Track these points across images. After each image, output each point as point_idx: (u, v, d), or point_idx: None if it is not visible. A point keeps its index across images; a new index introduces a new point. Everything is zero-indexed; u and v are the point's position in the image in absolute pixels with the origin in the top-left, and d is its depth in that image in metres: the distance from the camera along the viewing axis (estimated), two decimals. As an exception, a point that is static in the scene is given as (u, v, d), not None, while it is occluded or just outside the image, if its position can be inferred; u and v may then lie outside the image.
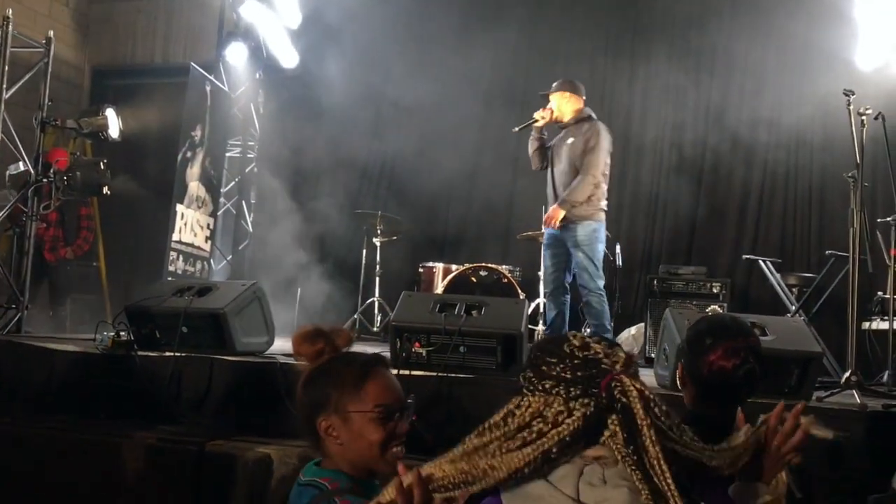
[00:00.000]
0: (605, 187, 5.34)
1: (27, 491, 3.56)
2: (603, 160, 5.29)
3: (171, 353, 3.92)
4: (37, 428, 3.70)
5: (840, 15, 6.41)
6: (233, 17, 8.15)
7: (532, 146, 5.56)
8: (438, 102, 7.46)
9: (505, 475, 1.22)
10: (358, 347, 6.04)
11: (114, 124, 5.43)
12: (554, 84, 5.54)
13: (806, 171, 7.20)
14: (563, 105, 5.44)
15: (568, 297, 5.48)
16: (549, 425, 1.21)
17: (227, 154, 8.44)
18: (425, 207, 7.74)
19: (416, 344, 3.79)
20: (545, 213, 5.46)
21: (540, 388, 1.26)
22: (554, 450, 1.21)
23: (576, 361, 1.26)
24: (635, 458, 1.19)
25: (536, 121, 5.45)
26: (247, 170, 8.50)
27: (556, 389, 1.24)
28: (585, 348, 1.28)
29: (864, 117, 4.09)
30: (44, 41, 5.52)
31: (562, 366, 1.26)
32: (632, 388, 1.22)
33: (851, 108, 4.11)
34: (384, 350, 4.13)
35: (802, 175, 7.21)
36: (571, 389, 1.23)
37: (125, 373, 3.94)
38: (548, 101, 5.50)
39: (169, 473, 3.42)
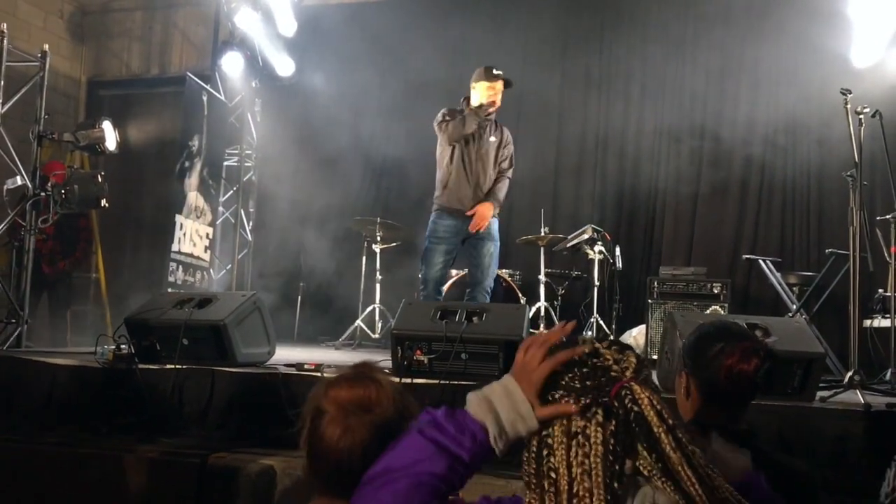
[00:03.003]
0: None
1: (29, 507, 3.55)
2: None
3: (172, 366, 3.90)
4: (38, 443, 3.68)
5: (835, 12, 6.41)
6: (228, 26, 8.14)
7: (474, 126, 5.23)
8: (434, 108, 7.45)
9: None
10: (360, 355, 6.02)
11: (110, 137, 5.41)
12: (509, 79, 5.36)
13: (804, 169, 7.20)
14: (499, 99, 5.32)
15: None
16: (586, 445, 1.21)
17: (225, 163, 8.43)
18: (425, 213, 7.72)
19: (418, 352, 3.78)
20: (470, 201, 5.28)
21: (550, 398, 1.26)
22: (608, 475, 1.19)
23: (585, 370, 1.26)
24: (659, 465, 1.19)
25: (489, 110, 5.23)
26: (245, 178, 8.49)
27: (568, 401, 1.24)
28: (595, 355, 1.27)
29: (861, 116, 4.09)
30: (39, 55, 5.51)
31: (570, 374, 1.26)
32: (642, 395, 1.21)
33: (849, 106, 4.11)
34: (385, 358, 4.13)
35: (801, 174, 7.21)
36: (582, 400, 1.22)
37: (126, 386, 3.93)
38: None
39: (171, 487, 3.40)
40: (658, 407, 1.21)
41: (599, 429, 1.20)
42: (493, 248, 5.30)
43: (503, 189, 5.39)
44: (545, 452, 1.24)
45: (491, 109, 5.23)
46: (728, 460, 1.63)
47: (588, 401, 1.22)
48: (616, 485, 1.19)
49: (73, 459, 3.56)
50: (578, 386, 1.24)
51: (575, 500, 1.19)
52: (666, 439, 1.19)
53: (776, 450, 2.96)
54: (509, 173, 5.45)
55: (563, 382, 1.25)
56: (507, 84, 5.34)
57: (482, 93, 5.27)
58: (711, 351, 2.00)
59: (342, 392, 1.56)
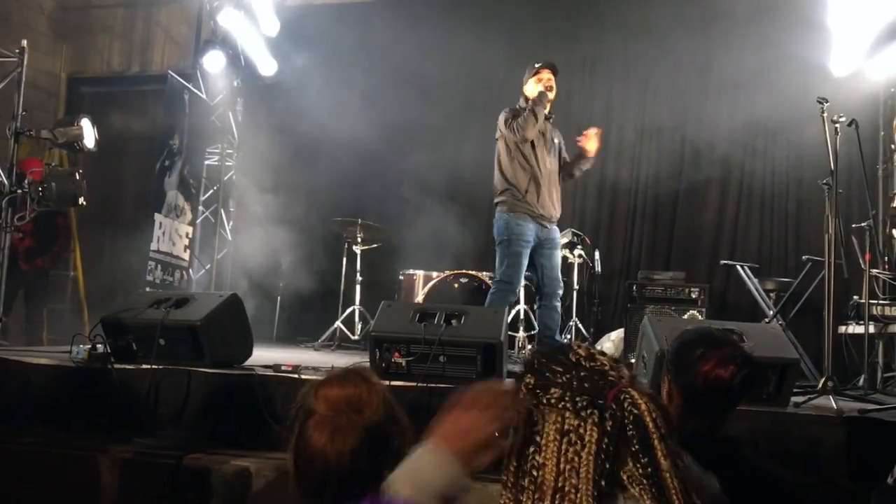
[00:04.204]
0: None
1: (1, 507, 3.51)
2: None
3: (148, 366, 3.88)
4: (11, 443, 3.65)
5: (814, 22, 6.48)
6: (210, 25, 8.11)
7: (542, 118, 5.20)
8: (417, 109, 7.46)
9: None
10: (339, 357, 6.00)
11: (89, 134, 5.36)
12: (551, 61, 5.33)
13: (783, 177, 7.27)
14: (554, 85, 5.29)
15: None
16: (578, 443, 1.22)
17: (206, 162, 8.39)
18: (405, 214, 7.73)
19: (396, 354, 3.78)
20: (549, 208, 5.29)
21: (546, 400, 1.26)
22: (597, 472, 1.20)
23: (583, 373, 1.27)
24: (650, 470, 1.20)
25: (549, 96, 5.22)
26: (225, 178, 8.45)
27: (563, 403, 1.25)
28: (591, 359, 1.29)
29: (837, 125, 4.13)
30: (17, 50, 5.45)
31: (568, 375, 1.27)
32: (640, 401, 1.23)
33: (825, 115, 4.16)
34: (364, 359, 4.13)
35: (779, 181, 7.28)
36: (578, 400, 1.24)
37: (101, 386, 3.90)
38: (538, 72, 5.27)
39: (146, 487, 3.38)
40: (654, 414, 1.23)
41: (595, 428, 1.22)
42: (557, 256, 5.34)
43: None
44: (531, 450, 1.24)
45: (550, 95, 5.22)
46: (701, 480, 1.64)
47: (584, 402, 1.23)
48: (603, 483, 1.20)
49: (47, 459, 3.53)
50: (576, 385, 1.25)
51: (558, 496, 1.20)
52: (659, 446, 1.21)
53: (764, 459, 2.99)
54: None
55: (560, 381, 1.27)
56: (553, 70, 5.30)
57: (534, 86, 5.25)
58: (691, 357, 2.03)
59: (333, 390, 1.52)
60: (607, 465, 1.21)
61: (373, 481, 1.46)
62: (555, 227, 5.35)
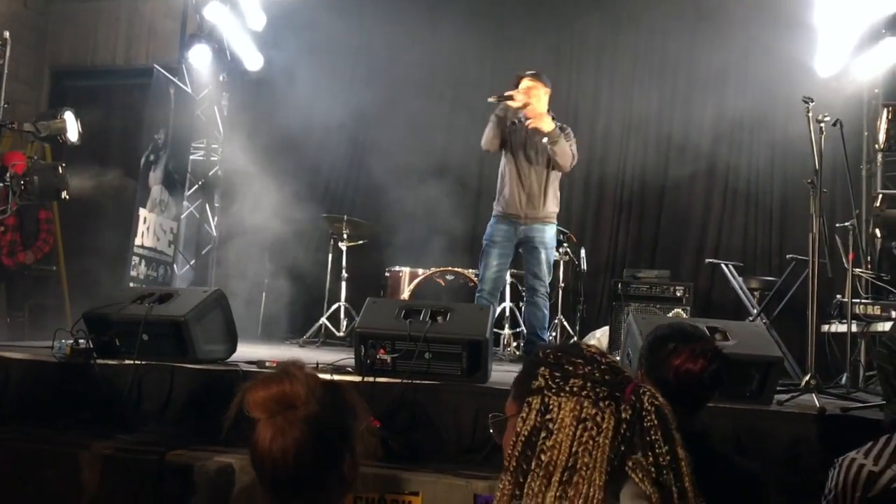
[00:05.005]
0: None
1: (-19, 504, 3.48)
2: None
3: (131, 362, 3.84)
4: (-9, 439, 3.62)
5: (800, 22, 6.51)
6: (196, 18, 8.04)
7: (499, 126, 5.24)
8: (404, 104, 7.45)
9: None
10: (324, 353, 5.97)
11: (72, 127, 5.31)
12: (532, 71, 5.31)
13: (767, 176, 7.31)
14: (541, 98, 5.21)
15: None
16: (595, 429, 1.27)
17: (191, 157, 8.34)
18: (392, 211, 7.72)
19: (381, 351, 3.77)
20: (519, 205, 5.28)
21: (567, 388, 1.31)
22: (612, 452, 1.25)
23: (603, 366, 1.33)
24: (669, 458, 1.25)
25: (513, 99, 5.15)
26: (210, 173, 8.40)
27: (585, 391, 1.30)
28: (605, 356, 1.37)
29: (822, 124, 4.15)
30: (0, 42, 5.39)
31: (589, 367, 1.33)
32: (658, 395, 1.31)
33: (811, 115, 4.18)
34: (349, 356, 4.11)
35: (764, 180, 7.33)
36: (598, 391, 1.29)
37: (84, 381, 3.86)
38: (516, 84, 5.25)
39: (128, 484, 3.35)
40: (668, 409, 1.30)
41: (612, 417, 1.27)
42: (543, 255, 5.26)
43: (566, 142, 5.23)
44: (543, 435, 1.29)
45: (513, 105, 5.16)
46: None
47: (604, 393, 1.29)
48: (616, 461, 1.25)
49: (28, 455, 3.49)
50: (597, 377, 1.31)
51: (566, 474, 1.25)
52: (678, 437, 1.28)
53: (732, 452, 3.01)
54: (571, 142, 5.29)
55: (581, 373, 1.32)
56: (532, 77, 5.26)
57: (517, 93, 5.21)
58: (664, 351, 2.08)
59: (259, 394, 1.51)
60: (622, 448, 1.26)
61: (333, 467, 1.50)
62: (535, 226, 5.27)
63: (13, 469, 3.48)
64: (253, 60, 8.08)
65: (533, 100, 5.16)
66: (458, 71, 8.14)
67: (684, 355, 2.04)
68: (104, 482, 3.37)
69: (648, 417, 1.27)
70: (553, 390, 1.31)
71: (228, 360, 4.26)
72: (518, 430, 1.32)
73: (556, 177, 5.36)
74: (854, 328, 4.96)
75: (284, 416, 1.49)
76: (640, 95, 7.77)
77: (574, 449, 1.26)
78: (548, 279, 5.30)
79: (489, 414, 1.50)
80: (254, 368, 3.90)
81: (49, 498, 3.40)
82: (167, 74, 7.66)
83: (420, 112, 7.59)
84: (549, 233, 5.32)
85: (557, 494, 1.24)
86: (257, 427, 1.51)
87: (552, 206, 5.34)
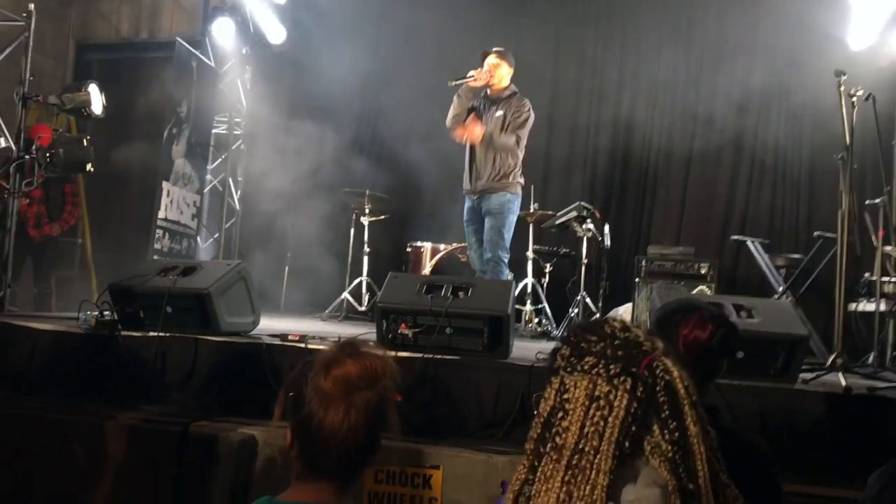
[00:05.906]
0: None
1: (7, 471, 3.54)
2: (526, 136, 5.47)
3: (156, 334, 3.88)
4: (18, 408, 3.67)
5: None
6: (219, -9, 8.02)
7: (461, 105, 5.46)
8: (427, 80, 7.38)
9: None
10: (345, 327, 5.97)
11: (97, 100, 5.32)
12: (497, 48, 5.53)
13: (795, 151, 7.19)
14: (501, 74, 5.46)
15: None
16: (607, 408, 1.25)
17: (214, 131, 8.35)
18: (414, 186, 7.69)
19: (403, 325, 3.77)
20: (469, 183, 5.51)
21: (580, 367, 1.30)
22: (622, 435, 1.24)
23: (616, 342, 1.30)
24: (677, 435, 1.23)
25: (474, 78, 5.39)
26: (233, 146, 8.40)
27: (597, 369, 1.28)
28: (626, 330, 1.33)
29: (854, 98, 4.05)
30: (24, 14, 5.41)
31: (602, 344, 1.30)
32: (672, 369, 1.27)
33: (842, 88, 4.08)
34: (371, 331, 4.12)
35: (792, 156, 7.20)
36: (611, 367, 1.27)
37: (108, 353, 3.90)
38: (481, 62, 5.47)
39: (152, 454, 3.40)
40: (686, 382, 1.27)
41: (626, 395, 1.25)
42: (490, 223, 5.41)
43: (504, 138, 5.37)
44: (559, 415, 1.28)
45: (474, 85, 5.41)
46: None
47: (617, 369, 1.26)
48: (627, 444, 1.23)
49: (54, 425, 3.55)
50: (610, 353, 1.28)
51: (576, 457, 1.23)
52: (690, 412, 1.24)
53: (757, 431, 2.98)
54: (519, 132, 5.42)
55: (595, 350, 1.30)
56: (498, 55, 5.49)
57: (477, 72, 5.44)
58: (672, 322, 2.09)
59: (350, 369, 1.50)
60: (633, 429, 1.24)
61: (378, 444, 1.52)
62: (485, 196, 5.43)
63: (40, 438, 3.54)
64: (276, 33, 8.04)
65: (494, 78, 5.43)
66: (484, 42, 8.03)
67: (692, 323, 2.05)
68: (129, 452, 3.42)
69: (661, 393, 1.25)
70: (568, 370, 1.31)
71: (251, 332, 4.29)
72: (540, 410, 1.32)
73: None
74: (882, 307, 4.88)
75: (361, 394, 1.48)
76: (665, 70, 7.64)
77: (585, 430, 1.24)
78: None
79: (533, 395, 1.50)
80: (277, 342, 3.92)
81: (75, 467, 3.46)
82: (189, 47, 7.65)
83: (444, 85, 7.51)
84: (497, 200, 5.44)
85: (566, 479, 1.23)
86: (321, 404, 1.48)
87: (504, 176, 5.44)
